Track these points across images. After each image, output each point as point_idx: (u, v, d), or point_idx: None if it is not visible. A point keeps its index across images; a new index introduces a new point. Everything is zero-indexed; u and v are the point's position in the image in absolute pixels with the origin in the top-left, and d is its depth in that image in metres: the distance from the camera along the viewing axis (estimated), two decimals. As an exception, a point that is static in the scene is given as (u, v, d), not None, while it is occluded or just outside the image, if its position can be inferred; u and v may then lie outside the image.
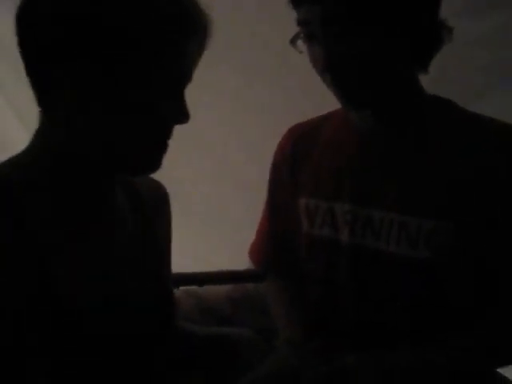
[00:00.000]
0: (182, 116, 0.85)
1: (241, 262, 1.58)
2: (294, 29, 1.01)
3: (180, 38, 0.80)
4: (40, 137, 0.84)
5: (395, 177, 1.07)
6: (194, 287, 1.66)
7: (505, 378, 1.15)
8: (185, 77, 0.84)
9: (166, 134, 0.85)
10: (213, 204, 1.53)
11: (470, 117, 1.08)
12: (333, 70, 0.98)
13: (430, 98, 1.10)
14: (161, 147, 0.85)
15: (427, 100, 1.09)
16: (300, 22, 0.99)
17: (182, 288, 1.63)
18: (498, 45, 1.68)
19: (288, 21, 1.00)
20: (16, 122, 1.51)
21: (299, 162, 1.20)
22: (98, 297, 0.84)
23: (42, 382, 0.76)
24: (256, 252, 1.31)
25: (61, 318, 0.79)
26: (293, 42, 1.02)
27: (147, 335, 0.93)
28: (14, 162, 0.84)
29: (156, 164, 0.86)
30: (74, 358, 0.80)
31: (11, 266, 0.74)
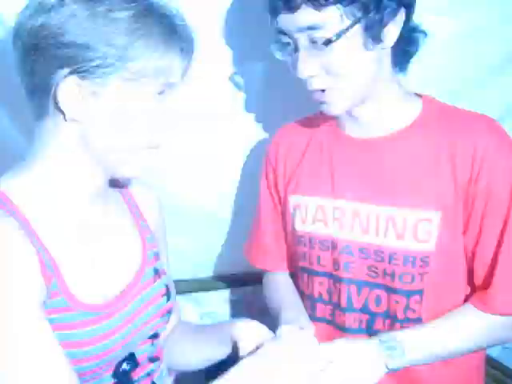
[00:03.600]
0: (168, 124, 0.89)
1: (237, 266, 1.61)
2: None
3: (166, 55, 0.84)
4: (37, 148, 0.89)
5: (379, 171, 1.12)
6: (192, 293, 1.70)
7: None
8: (170, 88, 0.88)
9: (155, 145, 0.90)
10: (208, 211, 1.57)
11: (448, 112, 1.13)
12: (310, 77, 1.03)
13: (412, 96, 1.15)
14: (149, 156, 0.90)
15: (408, 98, 1.14)
16: (278, 31, 1.04)
17: (181, 294, 1.67)
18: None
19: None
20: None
21: (288, 161, 1.24)
22: (102, 295, 0.89)
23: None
24: (251, 251, 1.36)
25: (68, 316, 0.83)
26: (273, 49, 1.06)
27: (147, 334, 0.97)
28: (16, 173, 0.89)
29: (142, 168, 0.91)
30: (75, 352, 0.84)
31: (22, 268, 0.78)
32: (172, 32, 0.84)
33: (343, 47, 0.99)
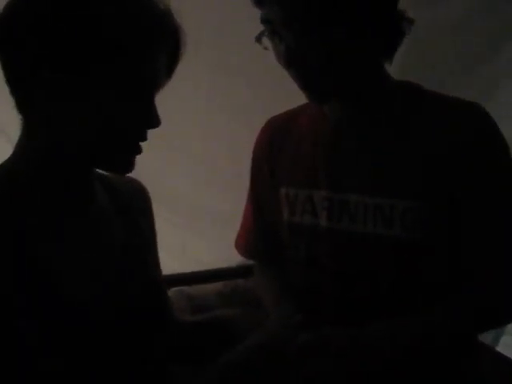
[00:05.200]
0: (153, 121, 0.88)
1: (229, 259, 1.62)
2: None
3: (150, 48, 0.84)
4: (22, 143, 0.88)
5: (367, 161, 1.12)
6: (184, 287, 1.70)
7: (487, 345, 1.19)
8: (155, 84, 0.88)
9: (138, 138, 0.89)
10: (198, 204, 1.57)
11: (437, 99, 1.12)
12: (294, 66, 1.03)
13: (398, 84, 1.14)
14: (133, 150, 0.89)
15: (395, 86, 1.13)
16: (263, 21, 1.03)
17: (173, 289, 1.67)
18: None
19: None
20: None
21: (277, 153, 1.24)
22: (89, 290, 0.88)
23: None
24: (242, 243, 1.35)
25: (56, 312, 0.82)
26: (258, 39, 1.06)
27: (141, 328, 0.96)
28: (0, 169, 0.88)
29: (128, 165, 0.90)
30: (73, 350, 0.83)
31: (9, 264, 0.78)
32: (156, 27, 0.84)
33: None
